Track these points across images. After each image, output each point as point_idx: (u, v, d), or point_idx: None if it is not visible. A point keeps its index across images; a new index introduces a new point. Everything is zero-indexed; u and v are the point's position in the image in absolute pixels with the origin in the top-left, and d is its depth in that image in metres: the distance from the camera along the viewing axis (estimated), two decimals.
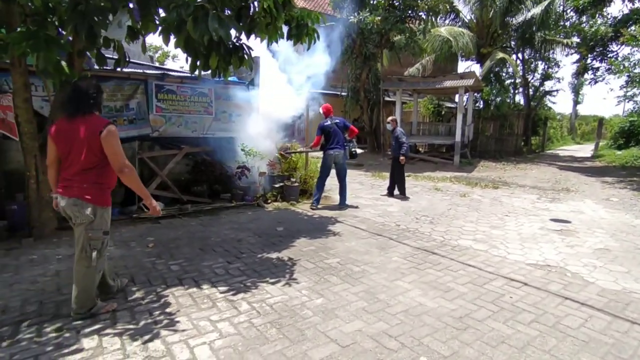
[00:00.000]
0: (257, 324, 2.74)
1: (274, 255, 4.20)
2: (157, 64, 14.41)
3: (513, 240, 4.88)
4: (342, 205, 6.64)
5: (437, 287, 3.39)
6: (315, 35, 5.26)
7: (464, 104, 12.30)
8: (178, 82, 6.73)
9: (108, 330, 2.61)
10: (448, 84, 11.47)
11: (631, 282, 3.61)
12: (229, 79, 5.72)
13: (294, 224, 5.53)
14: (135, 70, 6.48)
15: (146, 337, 2.53)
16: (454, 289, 3.36)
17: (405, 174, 10.52)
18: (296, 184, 7.22)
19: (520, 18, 14.35)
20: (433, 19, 13.83)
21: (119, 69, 5.02)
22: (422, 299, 3.17)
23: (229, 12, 3.79)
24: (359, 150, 7.14)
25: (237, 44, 4.51)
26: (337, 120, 6.59)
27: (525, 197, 7.73)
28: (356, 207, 6.68)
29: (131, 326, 2.68)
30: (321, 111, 6.76)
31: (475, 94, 14.67)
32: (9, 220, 4.79)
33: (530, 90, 18.34)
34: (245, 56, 4.58)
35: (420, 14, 12.50)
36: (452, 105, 15.67)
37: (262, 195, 6.97)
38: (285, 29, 5.06)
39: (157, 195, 6.23)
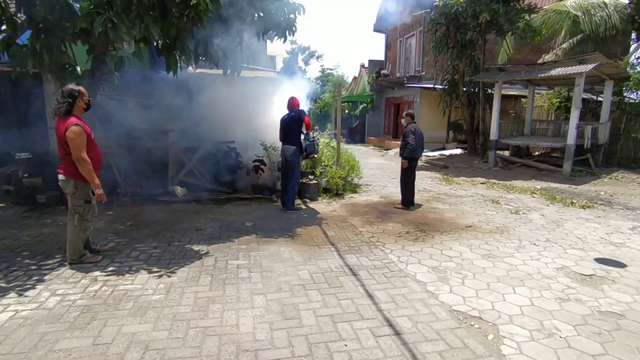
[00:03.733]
0: (77, 304, 2.97)
1: (199, 247, 4.32)
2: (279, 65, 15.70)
3: (488, 276, 3.70)
4: (286, 208, 6.05)
5: (281, 312, 2.93)
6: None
7: (583, 95, 9.33)
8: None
9: None
10: (557, 71, 8.92)
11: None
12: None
13: (271, 221, 5.47)
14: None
15: None
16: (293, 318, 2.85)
17: (481, 181, 9.04)
18: (313, 182, 7.04)
19: None
20: None
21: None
22: (232, 319, 2.81)
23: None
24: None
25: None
26: (293, 113, 6.01)
27: (610, 224, 5.57)
28: (303, 213, 6.10)
29: (3, 284, 3.27)
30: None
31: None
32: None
33: None
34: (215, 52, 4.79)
35: None
36: (587, 97, 12.14)
37: (278, 190, 7.06)
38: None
39: (185, 182, 7.06)
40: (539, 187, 8.45)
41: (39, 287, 3.25)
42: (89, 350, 2.40)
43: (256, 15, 4.87)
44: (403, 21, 14.16)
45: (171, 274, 3.57)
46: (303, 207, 6.36)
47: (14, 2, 4.32)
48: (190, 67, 7.46)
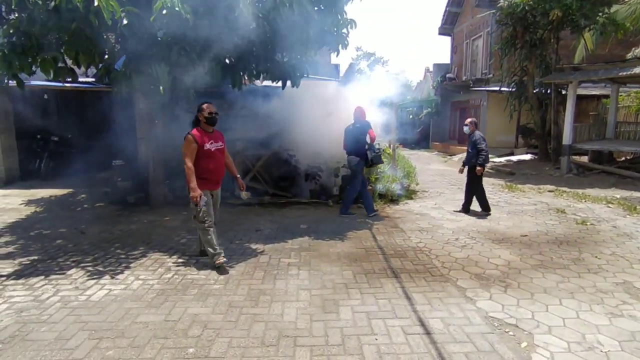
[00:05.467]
0: (154, 288, 3.56)
1: (257, 246, 4.80)
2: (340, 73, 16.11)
3: (534, 286, 3.63)
4: (340, 212, 6.35)
5: (322, 306, 3.23)
6: None
7: None
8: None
9: (89, 268, 4.02)
10: None
11: None
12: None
13: (325, 224, 5.79)
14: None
15: (94, 276, 3.79)
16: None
17: (549, 189, 8.54)
18: (368, 188, 7.24)
19: None
20: None
21: None
22: (278, 309, 3.16)
23: None
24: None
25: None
26: (359, 125, 6.20)
27: None
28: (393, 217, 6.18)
29: (100, 268, 4.01)
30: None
31: None
32: (147, 193, 7.23)
33: None
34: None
35: None
36: None
37: (334, 196, 7.40)
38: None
39: (249, 186, 7.70)
40: (618, 196, 7.72)
41: (127, 272, 3.93)
42: (161, 325, 2.93)
43: (311, 32, 5.24)
44: (468, 23, 13.70)
45: (230, 268, 4.06)
46: (372, 213, 6.43)
47: (113, 35, 5.25)
48: (257, 81, 8.14)
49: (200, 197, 3.88)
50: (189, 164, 3.88)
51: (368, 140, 6.21)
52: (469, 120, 6.49)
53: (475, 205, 6.58)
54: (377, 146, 6.45)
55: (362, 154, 6.16)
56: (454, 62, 20.26)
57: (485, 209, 6.38)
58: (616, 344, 2.72)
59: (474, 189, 6.39)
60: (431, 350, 2.63)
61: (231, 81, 5.53)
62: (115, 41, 5.35)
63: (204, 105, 4.05)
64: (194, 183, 3.86)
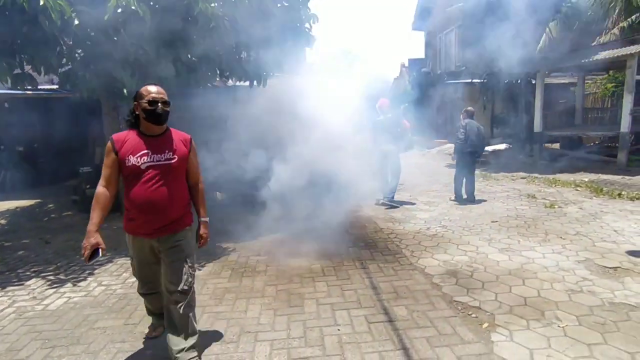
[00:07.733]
0: (117, 292, 3.48)
1: (227, 245, 4.73)
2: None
3: (500, 269, 3.68)
4: (387, 199, 6.46)
5: (287, 301, 3.20)
6: None
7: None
8: None
9: (50, 277, 3.89)
10: (604, 55, 8.29)
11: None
12: None
13: (295, 221, 5.74)
14: None
15: (54, 285, 3.67)
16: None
17: (522, 176, 8.71)
18: None
19: None
20: None
21: None
22: (242, 306, 3.11)
23: None
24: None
25: None
26: (390, 115, 6.34)
27: None
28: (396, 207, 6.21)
29: (62, 277, 3.89)
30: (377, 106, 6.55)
31: None
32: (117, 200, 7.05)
33: None
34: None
35: None
36: None
37: None
38: None
39: (225, 187, 7.61)
40: (586, 179, 7.93)
41: (90, 279, 3.82)
42: (120, 329, 2.85)
43: (273, 28, 5.19)
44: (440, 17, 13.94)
45: (197, 268, 3.99)
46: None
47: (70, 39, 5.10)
48: (229, 81, 8.02)
49: (91, 248, 2.18)
50: (98, 187, 2.29)
51: (402, 129, 6.39)
52: (465, 109, 6.78)
53: (445, 195, 6.66)
54: (409, 135, 6.67)
55: (398, 142, 6.33)
56: (429, 56, 20.50)
57: (457, 196, 6.46)
58: (574, 319, 2.77)
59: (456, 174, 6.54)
60: (393, 337, 2.63)
61: (194, 80, 5.44)
62: (73, 44, 5.20)
63: (143, 89, 2.27)
64: (90, 223, 2.24)
